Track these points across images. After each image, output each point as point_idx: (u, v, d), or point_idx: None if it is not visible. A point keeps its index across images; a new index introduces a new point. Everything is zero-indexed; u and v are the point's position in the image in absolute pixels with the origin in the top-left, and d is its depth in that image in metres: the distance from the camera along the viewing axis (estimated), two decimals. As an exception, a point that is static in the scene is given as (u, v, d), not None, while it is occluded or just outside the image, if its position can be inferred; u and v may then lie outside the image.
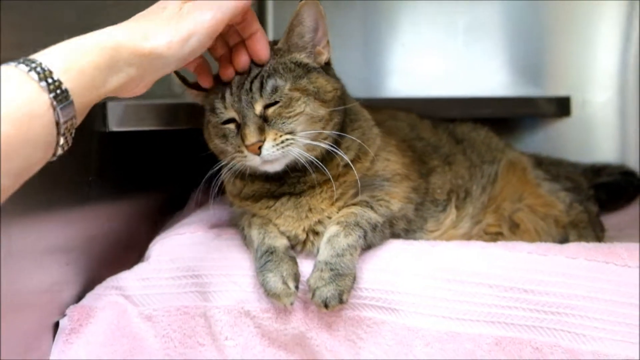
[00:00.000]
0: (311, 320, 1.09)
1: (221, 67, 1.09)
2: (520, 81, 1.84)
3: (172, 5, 0.92)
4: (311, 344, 1.09)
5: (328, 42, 1.12)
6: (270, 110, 1.06)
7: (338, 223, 1.10)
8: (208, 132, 1.13)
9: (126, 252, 1.27)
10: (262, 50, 1.06)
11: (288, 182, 1.14)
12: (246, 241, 1.17)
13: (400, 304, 1.07)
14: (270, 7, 1.99)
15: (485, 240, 1.24)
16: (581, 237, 1.31)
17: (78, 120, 0.79)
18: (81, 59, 0.79)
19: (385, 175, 1.18)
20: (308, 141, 1.07)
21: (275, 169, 1.10)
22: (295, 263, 1.11)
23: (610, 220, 1.55)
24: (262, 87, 1.05)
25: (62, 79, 0.75)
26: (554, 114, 1.80)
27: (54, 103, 0.73)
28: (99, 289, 1.15)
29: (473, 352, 1.04)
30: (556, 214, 1.35)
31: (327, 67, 1.14)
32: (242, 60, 1.07)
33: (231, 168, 1.10)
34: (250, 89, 1.05)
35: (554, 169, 1.51)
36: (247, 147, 1.04)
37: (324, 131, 1.10)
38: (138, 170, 1.34)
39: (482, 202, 1.33)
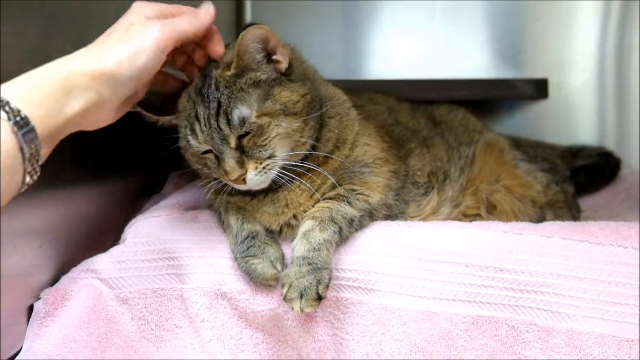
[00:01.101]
0: (288, 301, 1.09)
1: (187, 73, 1.10)
2: (498, 63, 1.84)
3: (122, 26, 0.94)
4: (288, 325, 1.09)
5: (283, 46, 1.07)
6: (245, 141, 1.04)
7: (313, 218, 1.09)
8: (186, 154, 1.11)
9: (102, 235, 1.26)
10: (219, 49, 1.05)
11: None
12: (223, 226, 1.16)
13: (377, 284, 1.07)
14: (248, 7, 1.97)
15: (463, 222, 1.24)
16: (557, 217, 1.32)
17: (45, 149, 0.83)
18: (37, 88, 0.83)
19: (365, 161, 1.17)
20: (288, 156, 1.07)
21: (262, 187, 1.09)
22: (278, 244, 1.12)
23: (587, 202, 1.57)
24: (229, 121, 1.02)
25: (20, 107, 0.79)
26: (531, 95, 1.80)
27: (15, 129, 0.77)
28: (74, 272, 1.14)
29: (449, 331, 1.05)
30: (533, 195, 1.36)
31: (289, 70, 1.09)
32: (201, 58, 1.08)
33: (213, 180, 1.10)
34: (219, 127, 1.02)
35: (532, 150, 1.52)
36: (231, 180, 1.04)
37: (302, 139, 1.08)
38: (115, 152, 1.33)
39: (461, 184, 1.34)
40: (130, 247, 1.15)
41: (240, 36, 1.01)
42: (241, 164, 1.03)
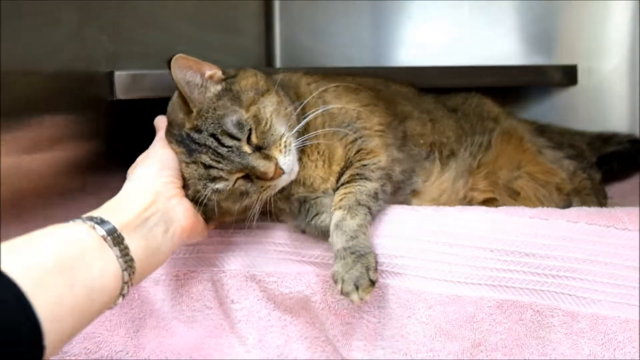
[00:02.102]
0: (316, 284, 1.11)
1: None
2: (527, 50, 1.82)
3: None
4: (316, 308, 1.12)
5: (208, 64, 1.08)
6: (254, 138, 1.05)
7: (340, 207, 1.09)
8: (221, 208, 1.07)
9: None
10: None
11: None
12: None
13: (403, 268, 1.09)
14: (277, 7, 1.98)
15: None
16: (584, 204, 1.31)
17: None
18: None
19: (351, 116, 1.18)
20: (294, 130, 1.08)
21: (296, 170, 1.09)
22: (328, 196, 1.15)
23: (614, 189, 1.56)
24: (231, 136, 1.03)
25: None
26: (560, 82, 1.79)
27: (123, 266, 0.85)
28: (109, 254, 1.18)
29: (475, 314, 1.06)
30: (558, 182, 1.35)
31: (225, 74, 1.11)
32: None
33: (260, 205, 1.08)
34: (229, 147, 1.03)
35: (557, 137, 1.51)
36: (271, 179, 1.05)
37: (287, 108, 1.11)
38: (147, 139, 1.36)
39: (470, 165, 1.34)
40: (163, 230, 1.18)
41: (175, 79, 1.03)
42: (267, 157, 1.04)
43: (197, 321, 1.16)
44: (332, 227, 1.08)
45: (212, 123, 1.04)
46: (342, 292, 1.02)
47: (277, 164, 1.04)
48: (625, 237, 1.04)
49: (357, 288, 1.01)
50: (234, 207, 1.07)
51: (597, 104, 1.81)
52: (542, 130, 1.51)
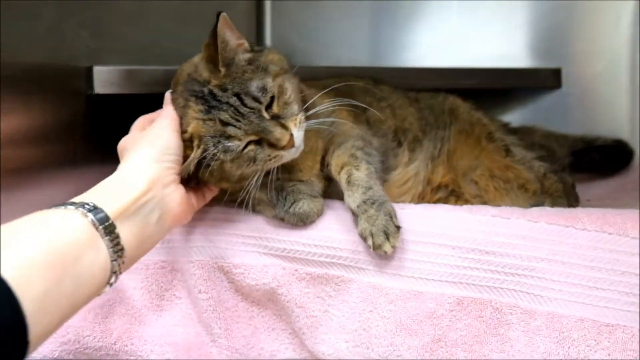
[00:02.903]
0: (282, 277, 1.13)
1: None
2: (515, 52, 1.83)
3: None
4: (282, 300, 1.14)
5: (240, 33, 1.11)
6: (275, 107, 1.08)
7: (342, 167, 1.14)
8: (224, 171, 1.09)
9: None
10: None
11: None
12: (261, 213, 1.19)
13: (366, 263, 1.11)
14: (268, 5, 2.01)
15: (444, 196, 1.32)
16: (555, 206, 1.33)
17: None
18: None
19: (328, 112, 1.20)
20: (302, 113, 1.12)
21: (302, 149, 1.12)
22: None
23: (593, 190, 1.57)
24: (255, 98, 1.06)
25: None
26: (544, 85, 1.80)
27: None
28: (82, 243, 1.21)
29: (435, 310, 1.08)
30: (521, 180, 1.37)
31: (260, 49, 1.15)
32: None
33: (258, 179, 1.10)
34: (251, 108, 1.06)
35: (528, 137, 1.52)
36: (283, 147, 1.07)
37: (301, 93, 1.15)
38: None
39: (432, 153, 1.38)
40: (136, 221, 1.21)
41: (218, 34, 1.05)
42: (283, 126, 1.07)
43: (165, 310, 1.18)
44: (343, 187, 1.12)
45: (239, 84, 1.07)
46: (374, 247, 1.06)
47: (291, 135, 1.07)
48: (584, 237, 1.05)
49: (387, 237, 1.05)
50: (236, 172, 1.08)
51: (581, 108, 1.81)
52: (517, 131, 1.52)
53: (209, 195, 1.15)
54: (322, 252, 1.12)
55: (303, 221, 1.13)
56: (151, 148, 0.96)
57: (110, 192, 0.88)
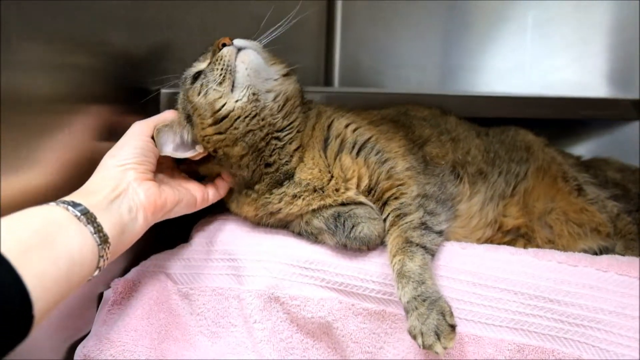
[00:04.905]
0: (338, 311, 1.12)
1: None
2: (590, 81, 1.76)
3: None
4: (337, 334, 1.13)
5: None
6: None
7: (395, 255, 1.07)
8: (199, 115, 1.15)
9: (171, 231, 1.33)
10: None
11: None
12: (311, 238, 1.19)
13: (424, 303, 1.08)
14: (339, 7, 2.00)
15: (512, 238, 1.27)
16: (627, 249, 1.27)
17: None
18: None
19: (365, 138, 1.20)
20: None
21: (251, 59, 1.14)
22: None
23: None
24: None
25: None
26: (623, 117, 1.72)
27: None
28: (143, 265, 1.23)
29: (494, 356, 1.05)
30: (594, 223, 1.31)
31: None
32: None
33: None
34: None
35: (601, 172, 1.45)
36: (218, 44, 1.15)
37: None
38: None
39: (503, 190, 1.31)
40: (196, 246, 1.22)
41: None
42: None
43: (220, 337, 1.18)
44: (395, 278, 1.05)
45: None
46: (424, 346, 0.98)
47: (228, 38, 1.15)
48: (656, 292, 1.00)
49: (438, 338, 0.98)
50: (205, 101, 1.13)
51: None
52: (590, 165, 1.46)
53: (222, 188, 1.22)
54: (380, 288, 1.11)
55: (366, 244, 1.12)
56: (114, 157, 1.08)
57: (85, 193, 1.00)
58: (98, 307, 1.17)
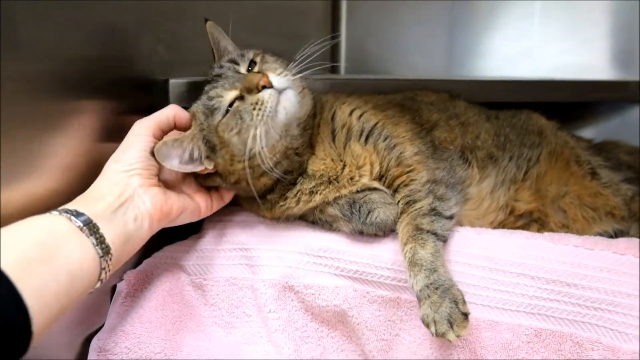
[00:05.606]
0: (353, 299, 1.12)
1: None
2: (599, 63, 1.75)
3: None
4: (352, 322, 1.12)
5: None
6: (256, 68, 1.13)
7: (406, 243, 1.07)
8: (223, 148, 1.10)
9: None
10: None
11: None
12: (326, 226, 1.19)
13: (440, 289, 1.08)
14: (344, 12, 1.97)
15: (525, 222, 1.26)
16: (642, 232, 1.27)
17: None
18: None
19: (372, 124, 1.19)
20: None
21: (295, 103, 1.08)
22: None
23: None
24: (233, 61, 1.14)
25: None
26: (629, 98, 1.70)
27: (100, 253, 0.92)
28: (155, 257, 1.22)
29: (511, 342, 1.04)
30: (609, 207, 1.30)
31: None
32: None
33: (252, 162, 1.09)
34: (228, 67, 1.13)
35: (614, 155, 1.44)
36: (258, 87, 1.06)
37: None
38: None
39: (514, 174, 1.30)
40: (208, 236, 1.22)
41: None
42: (259, 73, 1.09)
43: (235, 327, 1.18)
44: (407, 266, 1.04)
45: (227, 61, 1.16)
46: (436, 334, 0.97)
47: (266, 76, 1.07)
48: (674, 273, 1.00)
49: (451, 326, 0.97)
50: (233, 137, 1.07)
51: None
52: (601, 148, 1.45)
53: (227, 196, 1.20)
54: (395, 275, 1.10)
55: (382, 230, 1.12)
56: (118, 162, 1.04)
57: (88, 201, 0.97)
58: (111, 299, 1.16)
